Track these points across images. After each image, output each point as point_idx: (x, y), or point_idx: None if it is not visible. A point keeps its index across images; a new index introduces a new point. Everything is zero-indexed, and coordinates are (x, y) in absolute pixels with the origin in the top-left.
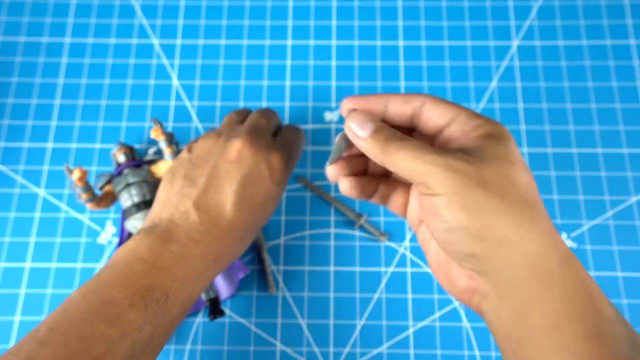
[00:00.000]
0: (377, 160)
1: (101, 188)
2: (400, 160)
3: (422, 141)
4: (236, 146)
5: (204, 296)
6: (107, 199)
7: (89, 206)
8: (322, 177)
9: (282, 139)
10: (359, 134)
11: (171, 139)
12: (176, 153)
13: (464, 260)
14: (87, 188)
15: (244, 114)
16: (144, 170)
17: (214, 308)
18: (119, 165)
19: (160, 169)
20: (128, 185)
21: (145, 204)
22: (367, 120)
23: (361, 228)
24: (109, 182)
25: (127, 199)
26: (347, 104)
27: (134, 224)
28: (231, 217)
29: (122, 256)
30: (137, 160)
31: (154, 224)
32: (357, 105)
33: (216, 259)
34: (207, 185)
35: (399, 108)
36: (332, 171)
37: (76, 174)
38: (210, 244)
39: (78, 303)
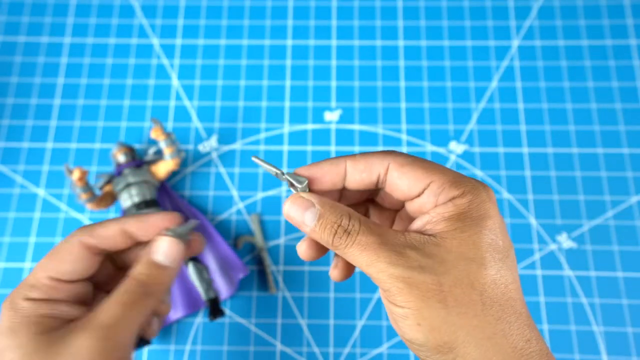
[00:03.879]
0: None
1: (101, 188)
2: (352, 259)
3: (383, 219)
4: None
5: (203, 296)
6: (107, 199)
7: (88, 206)
8: None
9: None
10: (302, 224)
11: (171, 139)
12: (176, 153)
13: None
14: (87, 188)
15: None
16: (144, 171)
17: (214, 308)
18: (119, 165)
19: (160, 169)
20: (128, 185)
21: (145, 204)
22: (307, 206)
23: None
24: (108, 182)
25: (127, 199)
26: (299, 173)
27: None
28: None
29: None
30: (137, 160)
31: None
32: (310, 174)
33: None
34: None
35: (357, 178)
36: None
37: (76, 174)
38: None
39: None
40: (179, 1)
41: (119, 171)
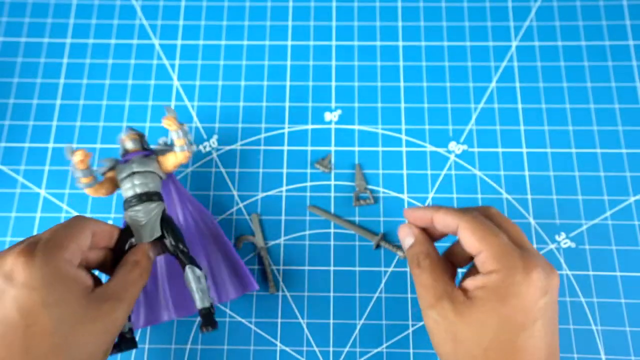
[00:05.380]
0: None
1: (104, 174)
2: (417, 282)
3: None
4: None
5: (197, 304)
6: (108, 186)
7: (87, 191)
8: (323, 177)
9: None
10: (403, 245)
11: (184, 130)
12: (188, 145)
13: None
14: (88, 172)
15: None
16: (151, 160)
17: (207, 319)
18: (126, 152)
19: (169, 161)
20: (132, 173)
21: (146, 196)
22: (407, 234)
23: (379, 247)
24: (112, 168)
25: (129, 189)
26: (407, 214)
27: (132, 215)
28: None
29: None
30: (147, 150)
31: None
32: (412, 216)
33: None
34: None
35: (438, 228)
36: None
37: (77, 156)
38: None
39: None
40: (179, 2)
41: (126, 159)
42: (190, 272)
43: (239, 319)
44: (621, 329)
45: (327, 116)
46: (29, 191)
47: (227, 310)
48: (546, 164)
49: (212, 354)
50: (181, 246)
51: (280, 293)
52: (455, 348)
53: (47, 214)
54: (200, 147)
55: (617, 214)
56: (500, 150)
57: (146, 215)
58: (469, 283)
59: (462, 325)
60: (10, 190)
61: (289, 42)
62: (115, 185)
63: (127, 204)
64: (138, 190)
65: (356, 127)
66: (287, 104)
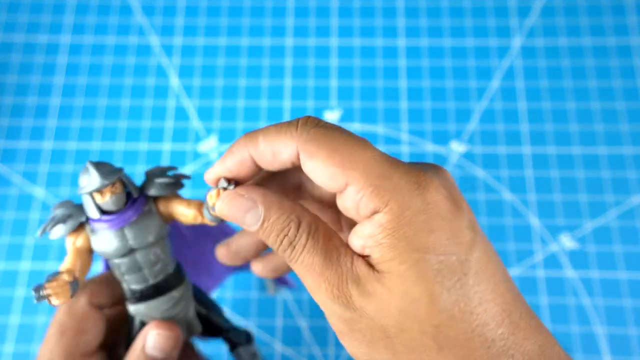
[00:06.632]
0: None
1: (69, 235)
2: (298, 275)
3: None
4: None
5: None
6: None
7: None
8: None
9: None
10: (243, 225)
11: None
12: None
13: None
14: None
15: None
16: (152, 215)
17: None
18: (101, 210)
19: (179, 214)
20: (131, 251)
21: (166, 284)
22: (248, 207)
23: None
24: (74, 229)
25: (132, 277)
26: (210, 176)
27: (144, 311)
28: None
29: None
30: (139, 198)
31: None
32: (228, 174)
33: None
34: None
35: (270, 167)
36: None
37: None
38: None
39: None
40: (178, 0)
41: (110, 221)
42: (244, 352)
43: (239, 319)
44: (626, 331)
45: (328, 115)
46: (26, 191)
47: (227, 311)
48: (549, 164)
49: (212, 354)
50: (227, 325)
51: (280, 294)
52: (392, 347)
53: (45, 214)
54: (200, 146)
55: (622, 215)
56: (503, 149)
57: (170, 311)
58: (357, 243)
59: (387, 310)
60: (7, 190)
61: (289, 41)
62: (90, 260)
63: (133, 296)
64: (152, 281)
65: (357, 126)
66: (287, 104)
